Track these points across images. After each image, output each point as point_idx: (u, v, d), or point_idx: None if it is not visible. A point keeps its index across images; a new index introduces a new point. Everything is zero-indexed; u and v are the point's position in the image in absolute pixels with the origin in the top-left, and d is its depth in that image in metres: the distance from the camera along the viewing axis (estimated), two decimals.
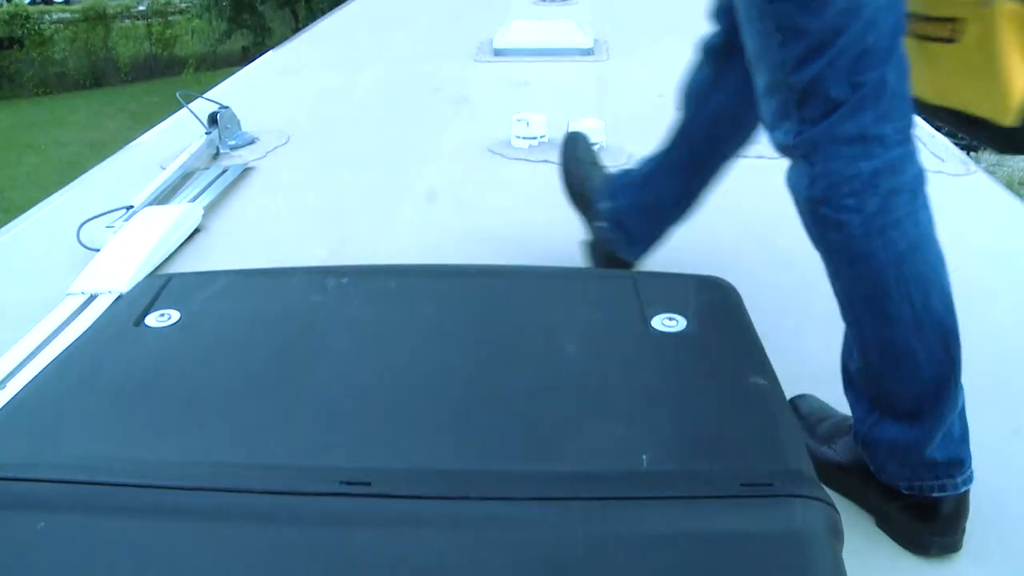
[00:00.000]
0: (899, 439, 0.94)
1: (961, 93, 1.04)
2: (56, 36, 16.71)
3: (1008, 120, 0.98)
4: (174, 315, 0.85)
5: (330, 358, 0.78)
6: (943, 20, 1.02)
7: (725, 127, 1.44)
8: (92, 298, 1.46)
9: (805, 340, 1.31)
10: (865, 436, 0.97)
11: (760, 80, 1.00)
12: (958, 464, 0.94)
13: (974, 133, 1.07)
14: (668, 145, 1.47)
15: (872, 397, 0.97)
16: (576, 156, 1.62)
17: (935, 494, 0.93)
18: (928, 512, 0.94)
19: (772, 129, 1.00)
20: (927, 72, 1.04)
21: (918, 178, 0.97)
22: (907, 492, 0.94)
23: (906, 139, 0.96)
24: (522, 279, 0.95)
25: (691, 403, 0.71)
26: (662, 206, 1.46)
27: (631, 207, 1.48)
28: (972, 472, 0.95)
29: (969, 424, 0.95)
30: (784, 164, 2.02)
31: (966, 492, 0.94)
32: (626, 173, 1.53)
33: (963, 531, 0.95)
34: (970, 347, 1.33)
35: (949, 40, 1.03)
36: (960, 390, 0.95)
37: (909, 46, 0.98)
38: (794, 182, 1.00)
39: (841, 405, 1.09)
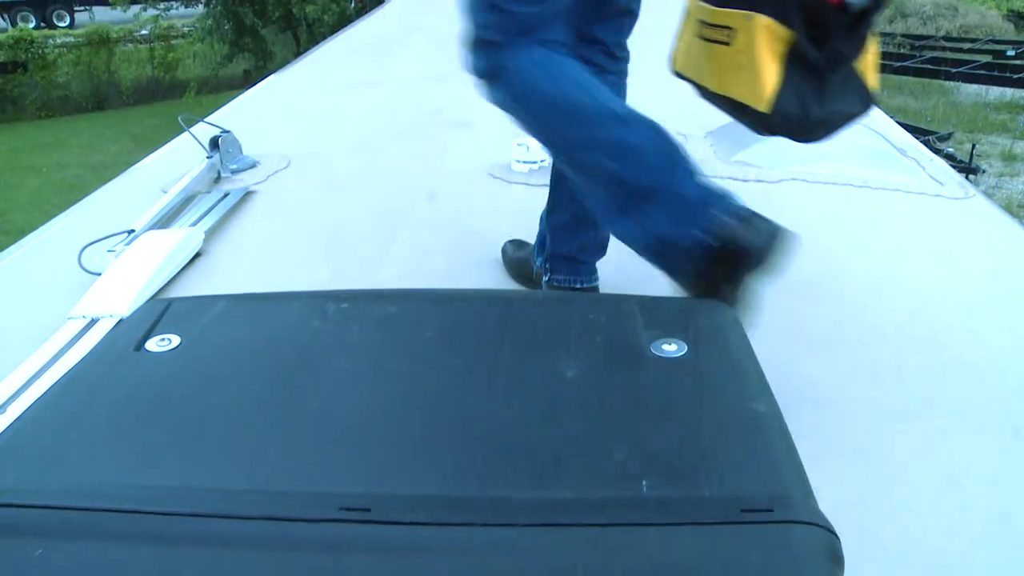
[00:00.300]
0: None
1: (734, 86, 1.30)
2: (59, 60, 16.81)
3: (763, 107, 1.25)
4: (175, 340, 0.85)
5: (330, 383, 0.78)
6: (721, 27, 1.30)
7: None
8: (93, 322, 1.46)
9: (805, 364, 1.31)
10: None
11: None
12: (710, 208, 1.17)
13: (743, 118, 1.30)
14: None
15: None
16: (515, 258, 1.72)
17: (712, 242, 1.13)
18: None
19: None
20: (711, 67, 1.33)
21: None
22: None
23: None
24: (522, 304, 0.95)
25: (690, 428, 0.71)
26: (582, 214, 1.52)
27: (557, 236, 1.57)
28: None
29: (972, 445, 0.96)
30: (784, 186, 2.03)
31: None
32: (540, 223, 1.65)
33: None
34: (971, 369, 1.34)
35: (725, 43, 1.30)
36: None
37: (699, 46, 1.33)
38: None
39: (840, 425, 1.09)
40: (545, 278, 1.57)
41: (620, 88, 1.64)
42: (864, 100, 1.33)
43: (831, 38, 1.24)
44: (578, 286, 1.56)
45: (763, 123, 1.29)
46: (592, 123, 1.32)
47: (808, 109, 1.29)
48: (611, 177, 1.28)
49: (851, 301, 1.54)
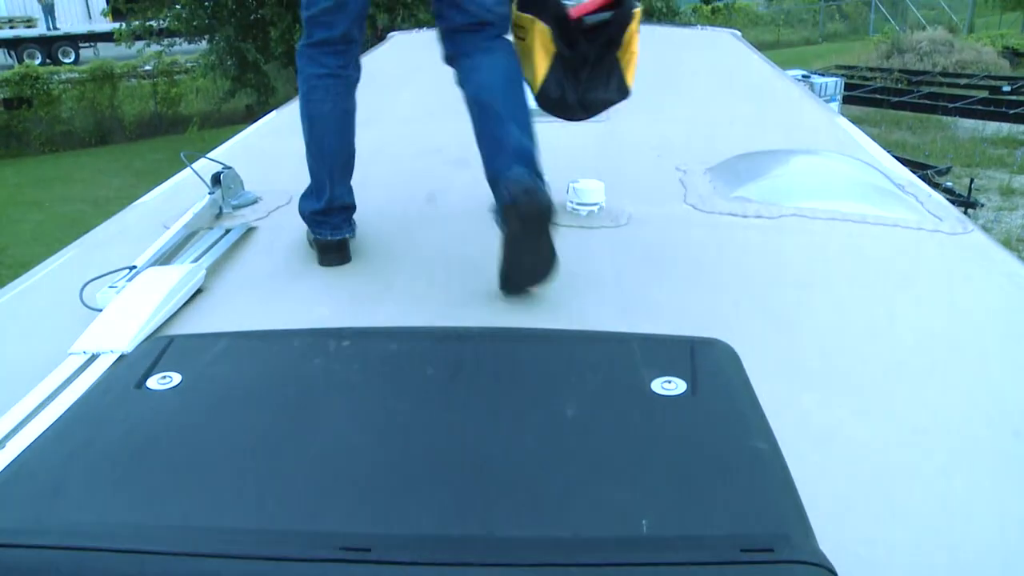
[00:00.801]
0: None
1: (525, 71, 1.78)
2: (64, 95, 16.95)
3: (535, 90, 1.80)
4: (175, 378, 0.86)
5: (331, 422, 0.78)
6: (520, 27, 1.78)
7: None
8: (94, 358, 1.46)
9: (805, 401, 1.31)
10: None
11: None
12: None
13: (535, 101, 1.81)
14: None
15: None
16: None
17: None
18: None
19: None
20: (521, 59, 1.79)
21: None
22: None
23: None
24: (522, 342, 0.95)
25: (691, 467, 0.71)
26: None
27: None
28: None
29: (973, 481, 0.96)
30: (783, 222, 2.04)
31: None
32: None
33: None
34: (972, 405, 1.34)
35: (522, 39, 1.76)
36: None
37: (513, 40, 1.78)
38: None
39: (840, 462, 1.09)
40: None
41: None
42: (621, 90, 1.87)
43: (577, 43, 1.75)
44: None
45: (541, 103, 1.84)
46: None
47: (565, 94, 1.83)
48: None
49: (850, 336, 1.54)
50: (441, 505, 0.68)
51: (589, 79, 1.85)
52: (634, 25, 1.82)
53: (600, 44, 1.81)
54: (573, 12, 1.78)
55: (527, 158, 1.72)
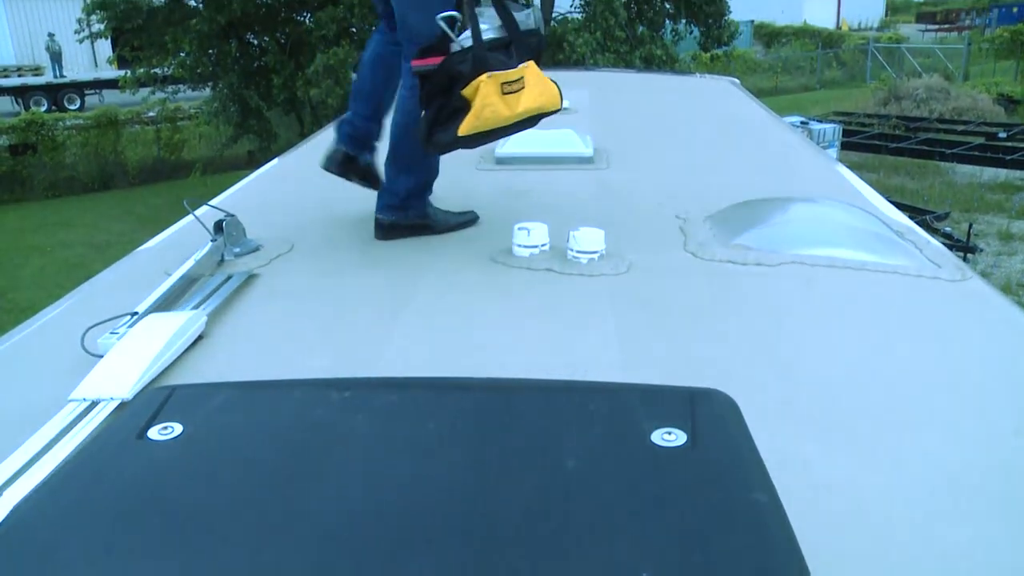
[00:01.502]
0: None
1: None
2: (68, 141, 17.11)
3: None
4: (177, 428, 0.86)
5: (332, 476, 0.78)
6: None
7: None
8: (94, 404, 1.46)
9: (807, 450, 1.31)
10: None
11: None
12: None
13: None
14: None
15: None
16: None
17: None
18: None
19: None
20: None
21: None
22: None
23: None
24: (523, 393, 0.95)
25: (691, 521, 0.71)
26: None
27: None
28: None
29: (975, 531, 0.95)
30: (782, 269, 2.05)
31: None
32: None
33: None
34: (973, 453, 1.33)
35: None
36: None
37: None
38: None
39: (841, 511, 1.08)
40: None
41: None
42: (461, 137, 2.08)
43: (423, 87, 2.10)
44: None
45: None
46: None
47: (421, 130, 2.11)
48: None
49: (850, 384, 1.54)
50: (443, 561, 0.67)
51: (436, 121, 2.07)
52: (480, 81, 2.00)
53: (433, 91, 2.07)
54: (414, 62, 2.09)
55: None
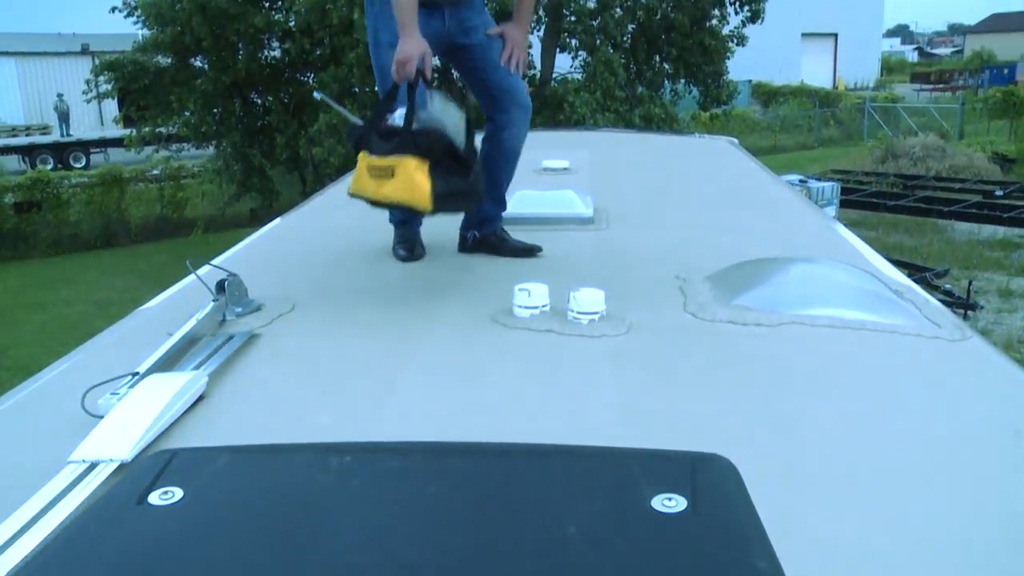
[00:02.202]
0: None
1: (398, 196, 2.29)
2: (73, 199, 17.25)
3: (426, 205, 2.25)
4: (177, 493, 0.86)
5: (333, 542, 0.77)
6: (386, 167, 2.25)
7: None
8: (93, 466, 1.45)
9: (808, 512, 1.30)
10: None
11: None
12: None
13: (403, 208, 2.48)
14: None
15: None
16: None
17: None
18: None
19: None
20: (381, 189, 2.29)
21: None
22: None
23: None
24: (524, 458, 0.95)
25: None
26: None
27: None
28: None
29: None
30: (782, 329, 2.05)
31: None
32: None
33: None
34: (975, 514, 1.33)
35: (391, 176, 2.22)
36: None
37: (370, 180, 2.29)
38: None
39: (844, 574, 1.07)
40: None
41: None
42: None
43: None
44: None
45: (428, 211, 2.26)
46: None
47: (452, 186, 2.29)
48: None
49: (851, 445, 1.54)
50: None
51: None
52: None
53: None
54: None
55: None
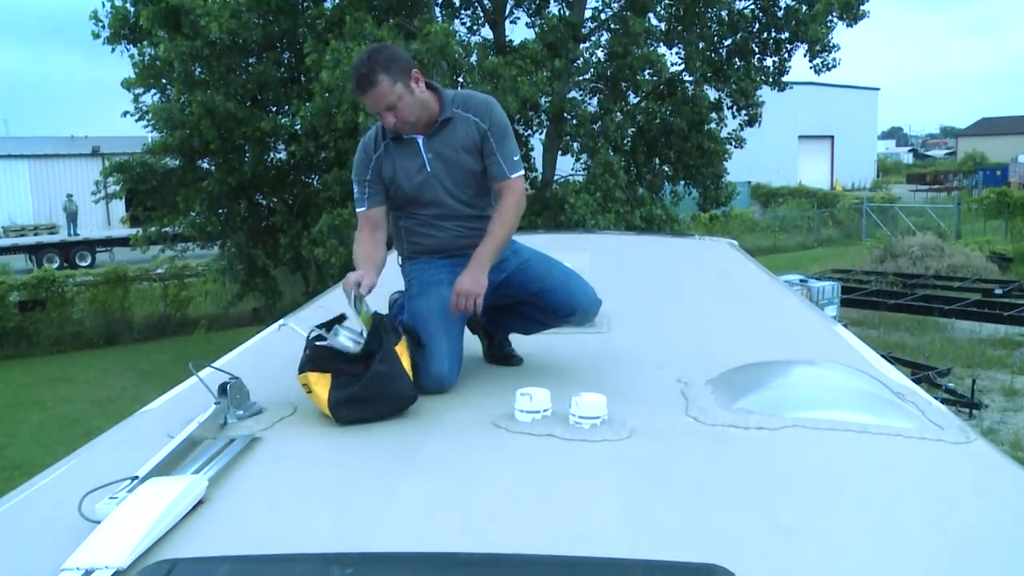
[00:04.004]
0: None
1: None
2: (77, 297, 17.35)
3: (328, 411, 2.29)
4: None
5: None
6: (304, 384, 2.35)
7: None
8: (88, 574, 1.43)
9: None
10: None
11: None
12: None
13: None
14: None
15: None
16: None
17: None
18: None
19: None
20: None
21: None
22: None
23: None
24: (523, 568, 0.95)
25: None
26: None
27: None
28: None
29: None
30: (784, 433, 2.05)
31: None
32: None
33: None
34: None
35: (310, 391, 2.34)
36: None
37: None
38: None
39: None
40: None
41: None
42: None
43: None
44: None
45: (334, 417, 2.27)
46: None
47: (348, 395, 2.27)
48: None
49: (853, 553, 1.52)
50: None
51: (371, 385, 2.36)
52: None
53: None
54: None
55: None
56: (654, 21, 14.73)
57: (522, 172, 2.76)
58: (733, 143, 15.84)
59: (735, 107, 15.58)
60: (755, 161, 30.31)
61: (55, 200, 32.18)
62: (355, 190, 2.79)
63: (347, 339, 2.37)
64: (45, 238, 29.13)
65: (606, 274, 4.56)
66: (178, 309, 18.19)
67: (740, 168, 20.44)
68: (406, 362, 2.39)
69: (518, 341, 2.92)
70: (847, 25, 14.65)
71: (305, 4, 13.58)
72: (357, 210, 2.80)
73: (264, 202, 16.29)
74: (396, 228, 2.82)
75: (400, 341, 2.43)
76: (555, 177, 14.92)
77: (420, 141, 2.69)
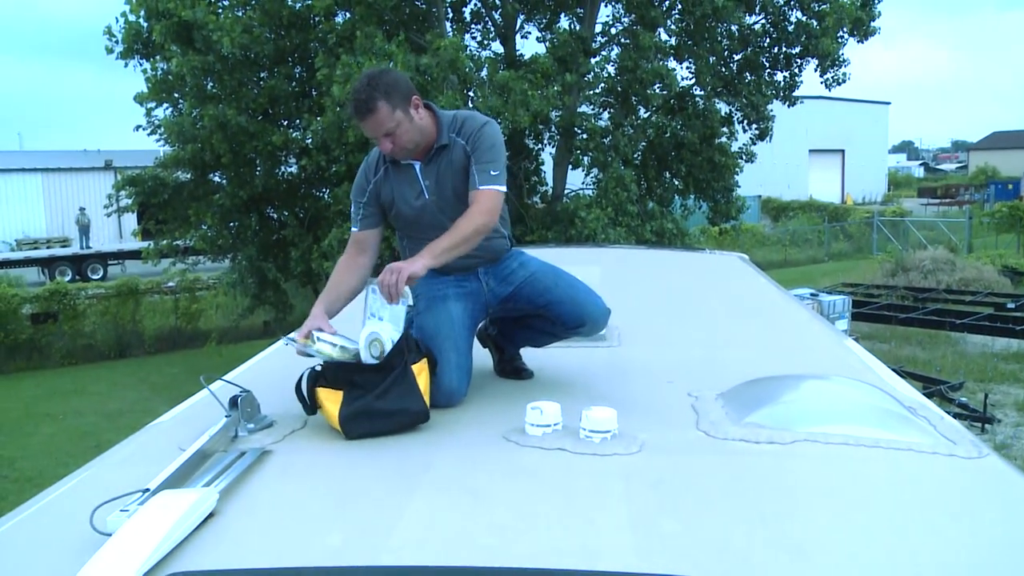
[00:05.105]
0: None
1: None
2: (89, 310, 17.43)
3: (337, 426, 2.29)
4: None
5: None
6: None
7: None
8: None
9: None
10: None
11: None
12: None
13: None
14: None
15: None
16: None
17: None
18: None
19: None
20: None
21: None
22: None
23: None
24: None
25: None
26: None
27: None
28: None
29: None
30: (795, 447, 2.04)
31: None
32: None
33: None
34: None
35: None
36: None
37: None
38: None
39: None
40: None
41: None
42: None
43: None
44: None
45: (343, 431, 2.27)
46: None
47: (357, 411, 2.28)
48: None
49: (865, 567, 1.51)
50: None
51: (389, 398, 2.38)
52: None
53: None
54: None
55: None
56: (664, 36, 14.74)
57: (497, 187, 2.63)
58: (744, 157, 15.82)
59: (746, 121, 15.58)
60: (766, 175, 30.32)
61: (68, 213, 32.41)
62: (352, 209, 2.80)
63: (326, 344, 2.39)
64: (57, 251, 29.32)
65: (617, 288, 4.56)
66: (189, 322, 18.26)
67: (751, 182, 20.43)
68: (423, 382, 2.38)
69: (528, 355, 2.92)
70: (858, 41, 14.66)
71: (316, 19, 13.64)
72: (351, 229, 2.81)
73: (275, 216, 16.36)
74: (402, 246, 2.83)
75: (421, 361, 2.42)
76: (565, 191, 14.93)
77: (418, 168, 2.68)
